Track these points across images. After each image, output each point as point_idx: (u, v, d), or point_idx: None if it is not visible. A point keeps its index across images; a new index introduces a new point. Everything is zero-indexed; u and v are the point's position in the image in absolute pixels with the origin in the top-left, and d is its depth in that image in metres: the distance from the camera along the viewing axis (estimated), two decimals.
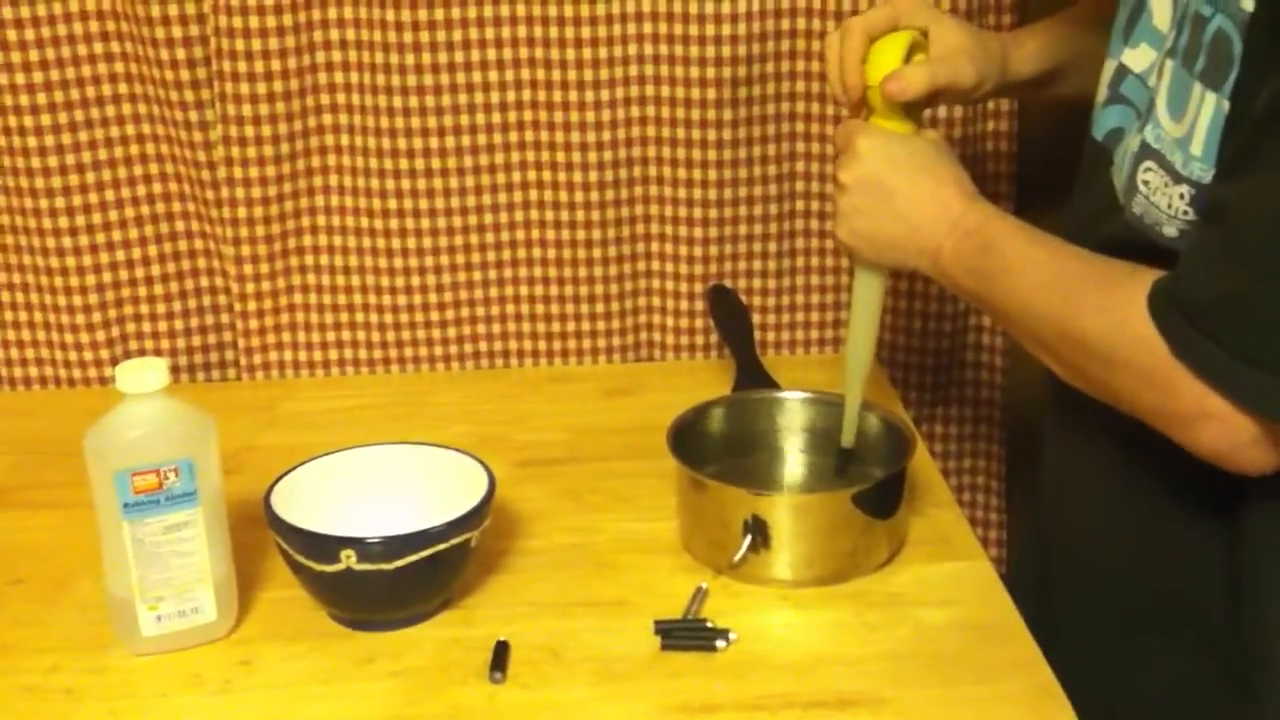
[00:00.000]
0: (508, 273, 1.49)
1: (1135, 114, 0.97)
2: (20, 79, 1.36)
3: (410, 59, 1.39)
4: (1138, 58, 0.97)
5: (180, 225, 1.46)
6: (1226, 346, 0.82)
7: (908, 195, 1.03)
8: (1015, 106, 1.44)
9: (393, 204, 1.45)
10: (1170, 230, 0.90)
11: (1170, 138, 0.90)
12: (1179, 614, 1.00)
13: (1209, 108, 0.86)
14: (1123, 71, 0.99)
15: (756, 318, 1.49)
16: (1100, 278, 0.91)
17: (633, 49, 1.40)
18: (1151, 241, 0.91)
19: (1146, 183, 0.92)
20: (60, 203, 1.41)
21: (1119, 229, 0.95)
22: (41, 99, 1.37)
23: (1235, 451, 0.85)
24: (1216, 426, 0.84)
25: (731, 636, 1.02)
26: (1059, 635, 1.05)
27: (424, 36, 1.38)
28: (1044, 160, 1.45)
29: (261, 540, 1.08)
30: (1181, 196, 0.89)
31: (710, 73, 1.40)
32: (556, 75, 1.40)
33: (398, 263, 1.47)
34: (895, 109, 1.06)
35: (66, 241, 1.43)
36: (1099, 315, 0.89)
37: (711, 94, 1.41)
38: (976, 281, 1.00)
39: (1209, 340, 0.83)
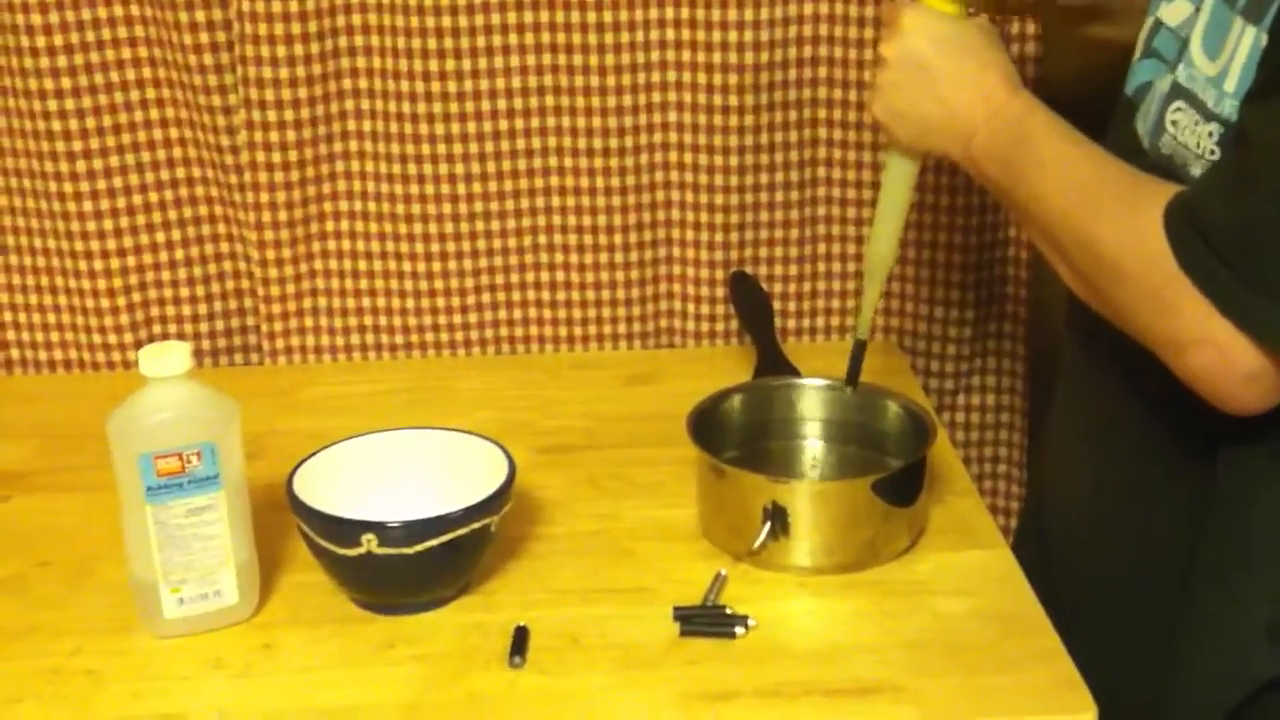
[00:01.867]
0: (529, 259, 1.49)
1: (1165, 64, 0.96)
2: (45, 62, 1.37)
3: (433, 44, 1.39)
4: (1173, 12, 0.96)
5: (204, 209, 1.47)
6: (1235, 269, 0.81)
7: (949, 76, 1.00)
8: (1038, 73, 1.42)
9: (415, 189, 1.45)
10: (1197, 170, 0.89)
11: (1204, 76, 0.89)
12: (1151, 584, 1.00)
13: (1247, 42, 0.85)
14: (1158, 26, 0.98)
15: (777, 304, 1.49)
16: (1128, 187, 0.90)
17: (655, 34, 1.40)
18: (1179, 181, 0.90)
19: (1175, 123, 0.91)
20: (85, 187, 1.42)
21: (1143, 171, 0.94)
22: (66, 83, 1.38)
23: (1227, 384, 0.84)
24: (1213, 355, 0.83)
25: (750, 623, 1.02)
26: (1051, 602, 1.05)
27: (446, 22, 1.38)
28: (1071, 116, 1.43)
29: (283, 524, 1.08)
30: (1210, 135, 0.88)
31: (733, 59, 1.40)
32: (579, 61, 1.40)
33: (420, 248, 1.47)
34: None
35: (90, 226, 1.43)
36: (1117, 223, 0.88)
37: (733, 80, 1.40)
38: (1004, 172, 0.97)
39: (1218, 261, 0.82)
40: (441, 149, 1.43)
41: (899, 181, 1.09)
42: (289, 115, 1.39)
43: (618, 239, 1.47)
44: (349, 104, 1.42)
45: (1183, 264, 0.83)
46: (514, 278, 1.49)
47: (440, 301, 1.49)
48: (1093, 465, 1.08)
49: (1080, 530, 1.10)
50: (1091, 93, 1.12)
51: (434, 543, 1.01)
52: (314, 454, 1.10)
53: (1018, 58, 1.41)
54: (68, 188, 1.42)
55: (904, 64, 1.02)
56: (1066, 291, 0.98)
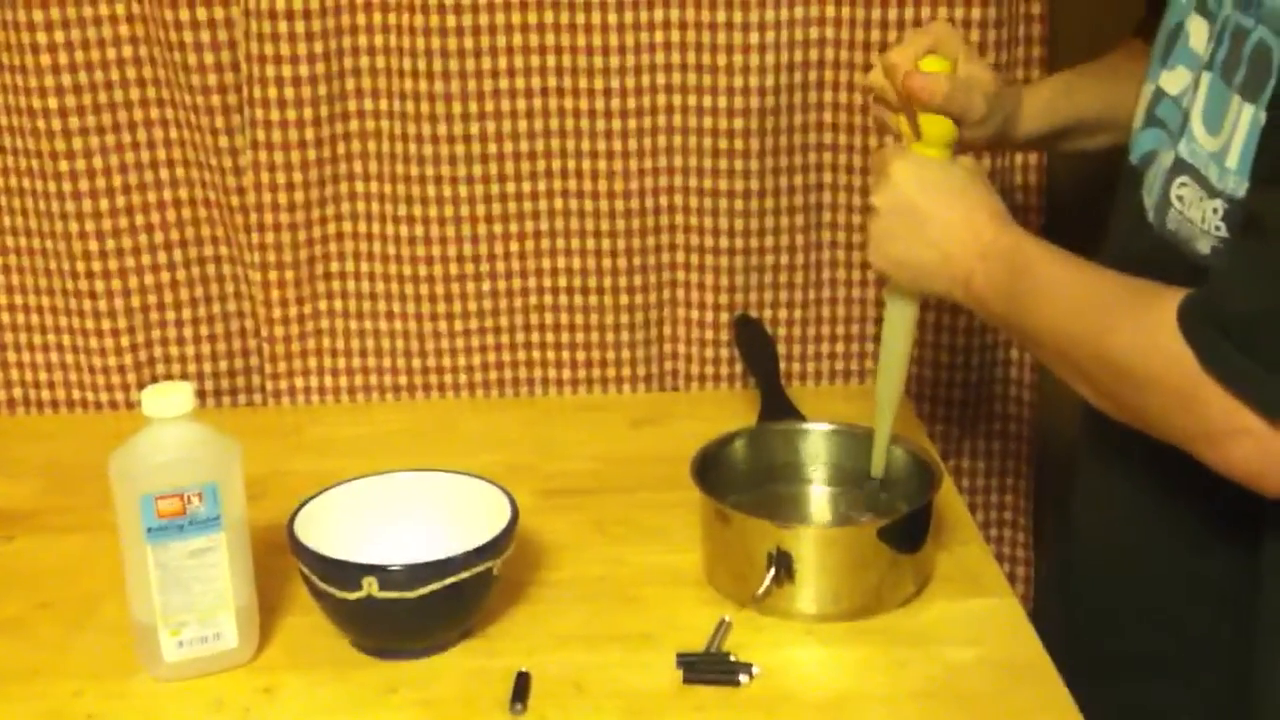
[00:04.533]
0: (534, 300, 1.48)
1: (1169, 135, 0.97)
2: (53, 104, 1.37)
3: (439, 87, 1.39)
4: (1174, 80, 0.97)
5: (209, 250, 1.47)
6: (1259, 359, 0.81)
7: (940, 221, 1.02)
8: (1040, 181, 1.43)
9: (420, 231, 1.45)
10: (1203, 246, 0.89)
11: (1205, 151, 0.89)
12: (1199, 654, 0.99)
13: (1246, 120, 0.85)
14: (1159, 95, 0.99)
15: (782, 348, 1.49)
16: (1131, 297, 0.90)
17: (661, 78, 1.40)
18: (1183, 258, 0.90)
19: (1180, 198, 0.91)
20: (90, 226, 1.42)
21: (1148, 247, 0.94)
22: (74, 122, 1.38)
23: (1269, 471, 0.83)
24: (1250, 444, 0.83)
25: (755, 671, 1.01)
26: (1081, 668, 1.04)
27: (453, 65, 1.38)
28: (1074, 190, 1.44)
29: (285, 566, 1.08)
30: (1215, 211, 0.88)
31: (738, 102, 1.40)
32: (585, 104, 1.41)
33: (424, 289, 1.47)
34: (933, 137, 1.06)
35: (95, 265, 1.43)
36: (1129, 334, 0.88)
37: (739, 124, 1.41)
38: (1007, 305, 0.98)
39: (1241, 353, 0.81)
40: (446, 191, 1.43)
41: (900, 323, 1.11)
42: (295, 157, 1.39)
43: (622, 281, 1.47)
44: (355, 145, 1.42)
45: (1204, 360, 0.83)
46: (518, 319, 1.49)
47: (445, 343, 1.49)
48: (1129, 542, 1.07)
49: (1117, 598, 1.08)
50: (1094, 173, 1.13)
51: (436, 586, 1.00)
52: (315, 496, 1.09)
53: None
54: (73, 227, 1.42)
55: (895, 212, 1.04)
56: (1082, 406, 0.98)
